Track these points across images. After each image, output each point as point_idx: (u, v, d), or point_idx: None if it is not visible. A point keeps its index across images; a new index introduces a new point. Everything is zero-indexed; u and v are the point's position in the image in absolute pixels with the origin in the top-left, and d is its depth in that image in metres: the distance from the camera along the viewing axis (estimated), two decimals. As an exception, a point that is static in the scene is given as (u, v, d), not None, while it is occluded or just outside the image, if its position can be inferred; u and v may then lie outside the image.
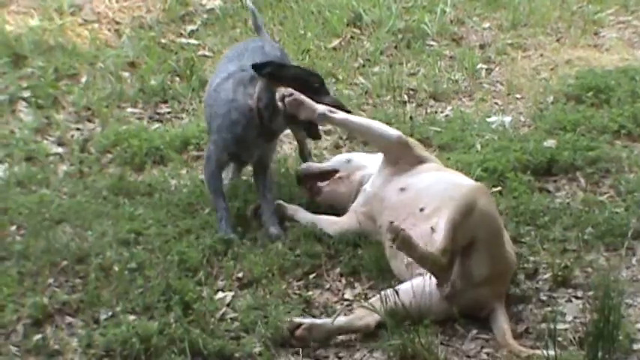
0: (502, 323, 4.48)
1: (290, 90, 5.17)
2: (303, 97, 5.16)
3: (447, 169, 5.29)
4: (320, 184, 5.58)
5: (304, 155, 6.06)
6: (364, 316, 4.56)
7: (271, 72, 5.31)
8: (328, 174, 5.59)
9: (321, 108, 5.15)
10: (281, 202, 5.56)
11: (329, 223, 5.34)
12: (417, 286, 4.54)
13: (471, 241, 4.46)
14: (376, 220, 5.12)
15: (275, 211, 5.47)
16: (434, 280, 4.52)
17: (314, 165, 5.73)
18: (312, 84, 5.31)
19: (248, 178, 5.93)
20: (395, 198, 5.03)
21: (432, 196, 4.87)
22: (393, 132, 5.26)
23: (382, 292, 4.49)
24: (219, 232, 5.34)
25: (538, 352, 4.27)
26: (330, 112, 5.17)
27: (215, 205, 5.45)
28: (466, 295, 4.51)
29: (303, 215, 5.48)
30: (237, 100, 5.39)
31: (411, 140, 5.33)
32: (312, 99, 5.19)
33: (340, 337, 4.57)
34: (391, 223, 4.55)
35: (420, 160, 5.20)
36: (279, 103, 5.18)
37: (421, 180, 5.04)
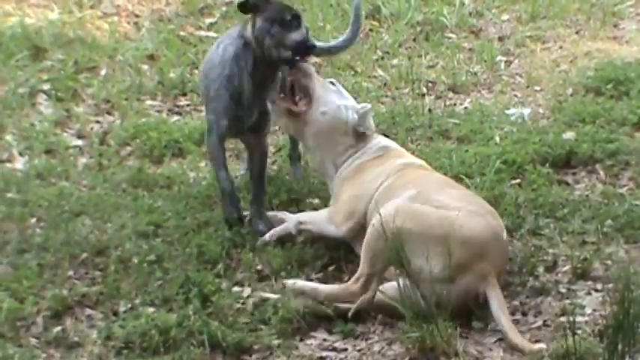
0: (496, 311, 4.45)
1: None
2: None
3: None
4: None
5: (295, 156, 5.96)
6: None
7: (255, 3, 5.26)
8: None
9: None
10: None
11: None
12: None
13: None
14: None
15: (264, 201, 5.41)
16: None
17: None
18: (285, 17, 5.25)
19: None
20: None
21: None
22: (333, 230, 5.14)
23: (400, 281, 4.48)
24: (225, 213, 5.34)
25: (542, 346, 4.27)
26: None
27: (217, 178, 5.41)
28: (452, 291, 4.48)
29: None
30: (227, 52, 5.33)
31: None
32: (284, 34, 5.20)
33: (359, 329, 4.58)
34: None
35: None
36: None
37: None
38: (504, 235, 4.77)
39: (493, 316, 4.47)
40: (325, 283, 4.92)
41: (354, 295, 4.60)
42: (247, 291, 4.86)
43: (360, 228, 4.96)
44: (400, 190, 4.88)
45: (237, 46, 5.33)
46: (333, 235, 5.13)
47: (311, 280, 4.93)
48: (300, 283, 4.76)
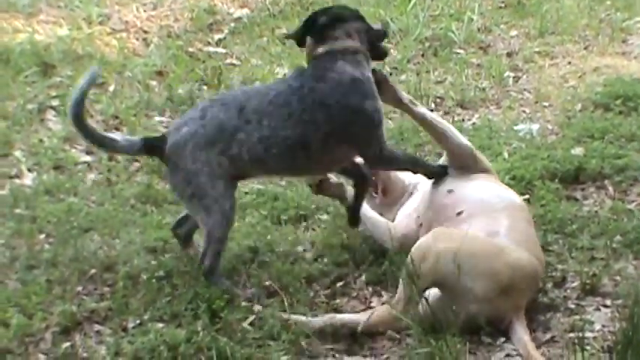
0: (522, 335, 4.44)
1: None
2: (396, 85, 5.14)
3: (499, 183, 5.23)
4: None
5: None
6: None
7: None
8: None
9: (405, 97, 5.15)
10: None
11: (387, 227, 5.25)
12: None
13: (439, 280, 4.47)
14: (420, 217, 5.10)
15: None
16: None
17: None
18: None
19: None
20: (441, 199, 5.00)
21: (471, 202, 4.88)
22: (466, 142, 5.21)
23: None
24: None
25: None
26: (412, 103, 5.16)
27: None
28: (485, 311, 4.49)
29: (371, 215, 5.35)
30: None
31: (479, 154, 5.28)
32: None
33: (367, 346, 4.57)
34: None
35: (481, 172, 5.18)
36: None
37: (468, 185, 5.02)
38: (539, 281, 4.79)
39: (516, 340, 4.45)
40: (333, 299, 4.92)
41: (394, 319, 4.55)
42: (257, 307, 4.85)
43: None
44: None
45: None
46: (465, 143, 5.17)
47: (319, 297, 4.94)
48: (339, 316, 4.65)
